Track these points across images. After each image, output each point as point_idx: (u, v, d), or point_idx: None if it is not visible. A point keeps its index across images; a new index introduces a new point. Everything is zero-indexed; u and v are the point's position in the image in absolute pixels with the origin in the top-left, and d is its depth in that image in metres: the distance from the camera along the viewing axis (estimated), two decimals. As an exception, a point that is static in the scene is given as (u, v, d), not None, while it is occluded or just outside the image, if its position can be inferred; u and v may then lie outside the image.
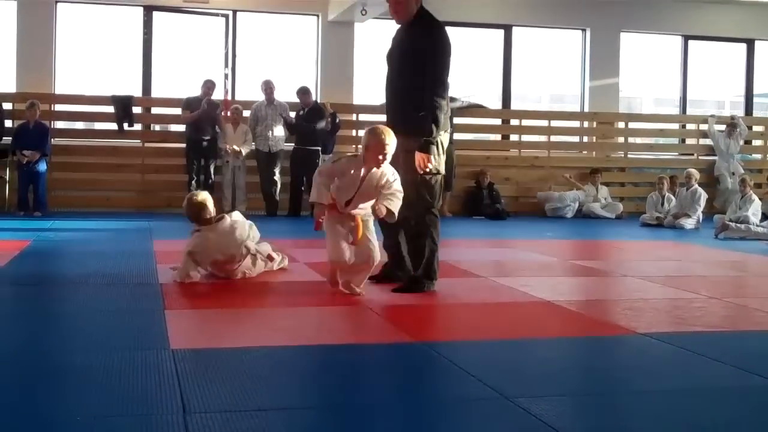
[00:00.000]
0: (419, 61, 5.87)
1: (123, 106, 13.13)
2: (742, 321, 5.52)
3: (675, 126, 15.97)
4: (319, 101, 13.38)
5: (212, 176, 12.80)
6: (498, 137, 15.07)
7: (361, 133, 13.84)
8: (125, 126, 13.20)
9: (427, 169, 5.86)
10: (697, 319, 5.38)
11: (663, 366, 4.25)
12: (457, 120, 13.87)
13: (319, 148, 12.84)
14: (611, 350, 4.64)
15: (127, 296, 5.85)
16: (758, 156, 16.09)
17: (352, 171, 5.66)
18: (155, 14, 13.73)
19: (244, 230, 6.73)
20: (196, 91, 12.95)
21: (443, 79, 5.90)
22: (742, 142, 15.11)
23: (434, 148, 5.85)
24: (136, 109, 13.40)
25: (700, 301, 5.99)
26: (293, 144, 13.01)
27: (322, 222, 5.84)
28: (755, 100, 16.73)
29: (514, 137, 14.93)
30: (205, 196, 6.80)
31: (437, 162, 5.92)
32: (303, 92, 13.04)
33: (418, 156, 5.82)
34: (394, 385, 3.83)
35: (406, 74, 5.98)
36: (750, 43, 16.09)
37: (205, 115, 12.67)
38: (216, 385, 3.63)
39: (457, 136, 13.10)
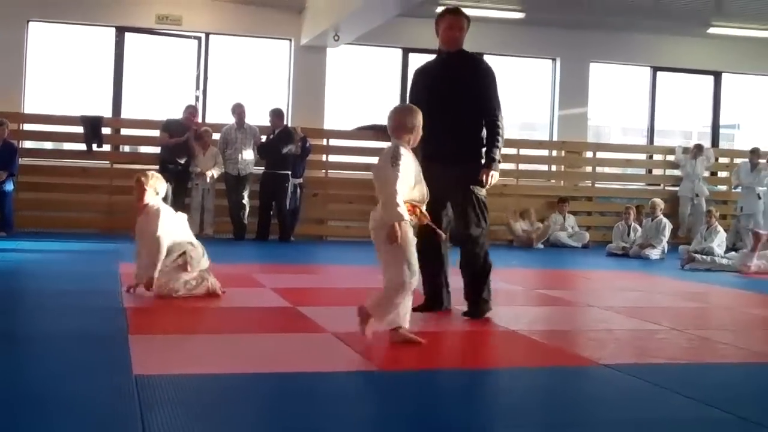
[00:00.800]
0: (472, 90, 6.17)
1: (92, 126, 13.08)
2: (702, 353, 5.57)
3: (642, 156, 16.14)
4: (289, 125, 13.39)
5: (183, 200, 12.76)
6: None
7: (332, 158, 13.99)
8: (94, 147, 13.13)
9: (482, 189, 6.19)
10: (659, 351, 5.43)
11: (623, 398, 4.28)
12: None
13: (289, 173, 12.85)
14: (573, 381, 4.67)
15: (90, 320, 5.82)
16: (723, 187, 16.27)
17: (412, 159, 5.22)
18: (127, 35, 13.73)
19: (164, 223, 6.65)
20: (166, 113, 12.95)
21: (499, 104, 6.21)
22: (707, 164, 15.26)
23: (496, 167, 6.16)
24: (106, 130, 13.34)
25: (662, 333, 6.05)
26: (263, 168, 13.02)
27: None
28: (722, 131, 16.98)
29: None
30: (154, 181, 6.76)
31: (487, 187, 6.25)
32: (276, 114, 13.06)
33: (485, 171, 6.11)
34: (354, 415, 3.83)
35: (458, 103, 6.19)
36: (717, 76, 16.34)
37: (184, 141, 12.66)
38: (179, 413, 3.62)
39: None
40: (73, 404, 3.73)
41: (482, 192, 6.25)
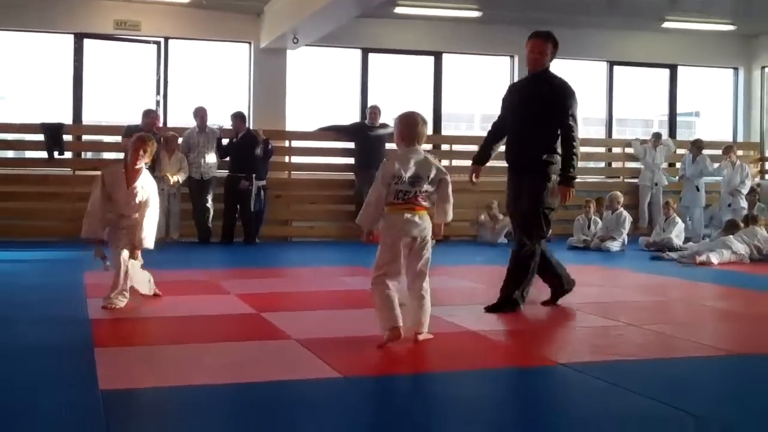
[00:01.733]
0: (547, 108, 6.65)
1: (53, 134, 13.03)
2: (657, 349, 5.73)
3: (601, 149, 16.35)
4: (251, 128, 13.44)
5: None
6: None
7: (295, 159, 14.06)
8: (55, 154, 13.10)
9: (546, 200, 6.69)
10: (615, 348, 5.58)
11: (578, 397, 4.42)
12: (389, 145, 14.07)
13: (254, 175, 12.90)
14: (530, 382, 4.80)
15: (55, 332, 5.87)
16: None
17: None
18: (86, 41, 13.69)
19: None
20: (127, 118, 12.94)
21: (575, 121, 6.64)
22: (667, 153, 15.41)
23: (554, 182, 6.64)
24: (67, 137, 13.30)
25: (619, 329, 6.21)
26: (226, 171, 13.06)
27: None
28: (682, 119, 17.21)
29: (444, 162, 15.12)
30: (152, 148, 6.97)
31: (553, 200, 6.75)
32: (239, 117, 13.12)
33: (562, 189, 6.62)
34: (319, 423, 3.92)
35: (535, 121, 6.70)
36: (672, 68, 16.57)
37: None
38: (145, 427, 3.69)
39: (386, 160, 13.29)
40: (37, 422, 3.77)
41: (553, 204, 6.78)
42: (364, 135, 13.83)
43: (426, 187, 5.44)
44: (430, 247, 5.54)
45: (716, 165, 14.56)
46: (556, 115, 6.63)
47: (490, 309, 6.78)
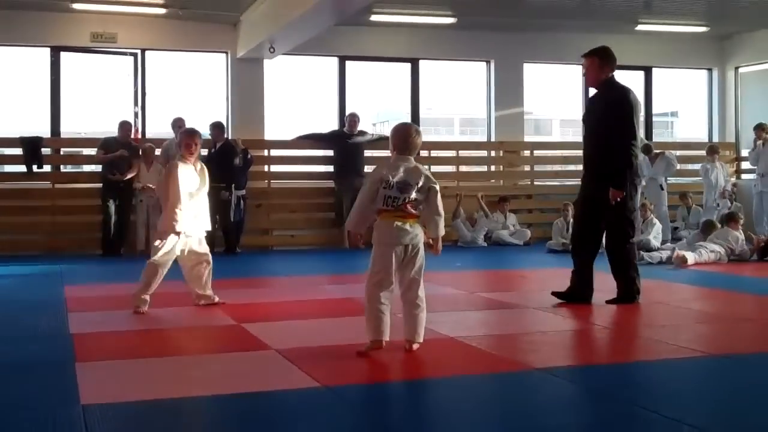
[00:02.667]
0: (610, 120, 7.31)
1: (32, 147, 13.01)
2: (632, 352, 5.81)
3: (579, 153, 16.43)
4: (229, 138, 13.46)
5: (128, 216, 12.78)
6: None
7: (273, 168, 14.11)
8: (34, 168, 13.08)
9: (628, 204, 7.39)
10: (591, 352, 5.66)
11: (554, 403, 4.48)
12: (367, 153, 14.14)
13: (233, 185, 12.91)
14: (507, 388, 4.85)
15: (36, 348, 5.89)
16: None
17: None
18: (63, 54, 13.68)
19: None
20: (107, 130, 12.95)
21: (633, 131, 7.29)
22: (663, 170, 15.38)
23: (631, 188, 7.39)
24: (46, 150, 13.28)
25: (595, 333, 6.28)
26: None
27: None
28: (660, 119, 17.31)
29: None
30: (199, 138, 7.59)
31: (634, 202, 7.53)
32: (217, 127, 13.14)
33: (612, 192, 7.26)
34: (299, 434, 3.97)
35: (602, 131, 7.38)
36: (647, 70, 16.70)
37: (120, 157, 12.67)
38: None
39: (367, 168, 13.34)
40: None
41: (630, 206, 7.43)
42: (342, 143, 13.88)
43: (415, 194, 5.51)
44: (423, 255, 5.59)
45: (698, 166, 14.65)
46: (618, 124, 7.29)
47: (611, 301, 7.48)
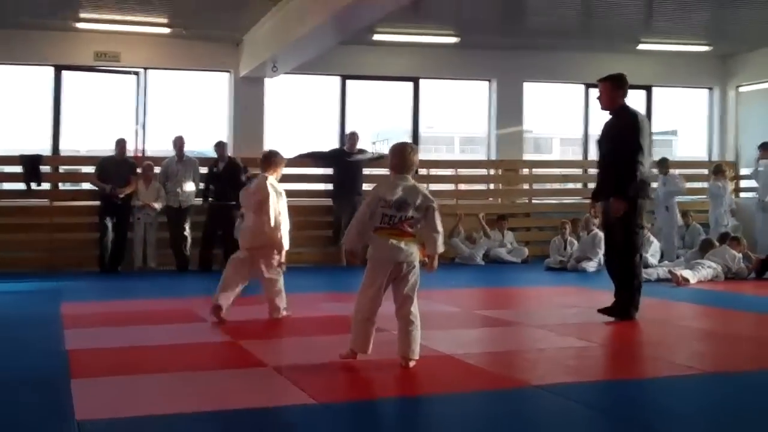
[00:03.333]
0: (621, 142, 7.60)
1: (31, 165, 13.04)
2: (628, 369, 5.81)
3: (578, 171, 16.48)
4: (231, 156, 13.46)
5: (126, 234, 12.79)
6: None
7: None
8: (33, 185, 13.10)
9: (633, 219, 7.61)
10: (587, 369, 5.65)
11: (550, 420, 4.48)
12: (367, 171, 14.16)
13: (237, 203, 12.90)
14: (504, 405, 4.84)
15: (32, 364, 5.88)
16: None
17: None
18: (65, 73, 13.75)
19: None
20: (108, 148, 12.99)
21: (638, 147, 7.49)
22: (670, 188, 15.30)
23: (641, 204, 7.68)
24: (45, 168, 13.31)
25: (592, 350, 6.28)
26: (209, 199, 13.03)
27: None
28: (661, 138, 17.29)
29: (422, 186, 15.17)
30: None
31: (640, 218, 7.75)
32: (224, 146, 13.22)
33: (613, 201, 7.57)
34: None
35: (612, 153, 7.70)
36: (648, 89, 16.74)
37: (118, 174, 12.70)
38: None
39: (366, 186, 13.37)
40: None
41: (635, 221, 7.64)
42: (342, 161, 13.91)
43: (412, 213, 5.58)
44: (418, 273, 5.64)
45: (699, 184, 14.61)
46: (627, 146, 7.53)
47: (602, 311, 7.71)
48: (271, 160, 7.81)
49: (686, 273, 10.70)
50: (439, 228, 5.67)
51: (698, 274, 10.81)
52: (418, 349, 5.60)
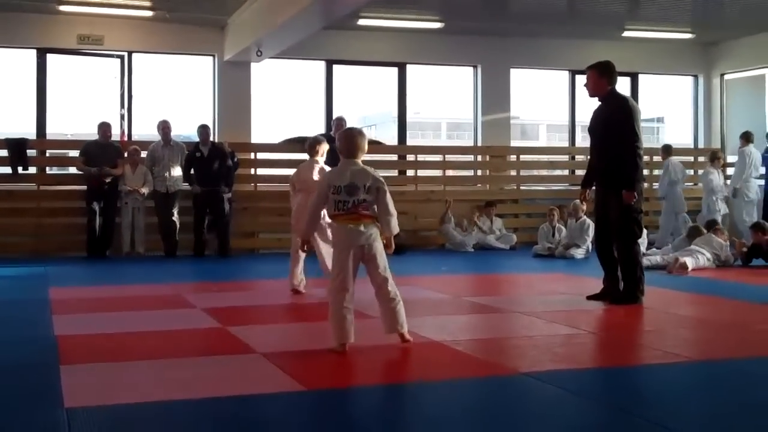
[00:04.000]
0: (613, 127, 7.70)
1: (17, 149, 12.96)
2: (616, 356, 5.83)
3: (565, 158, 16.51)
4: (215, 141, 13.40)
5: (113, 218, 12.75)
6: (395, 173, 15.33)
7: (260, 171, 14.09)
8: (19, 170, 13.02)
9: (633, 205, 7.68)
10: (575, 356, 5.67)
11: (539, 407, 4.50)
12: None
13: (225, 187, 12.90)
14: (493, 392, 4.85)
15: (20, 351, 5.86)
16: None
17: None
18: (49, 56, 13.65)
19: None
20: (93, 132, 12.92)
21: (634, 135, 7.61)
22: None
23: (639, 189, 7.73)
24: (31, 152, 13.22)
25: (580, 337, 6.30)
26: (193, 184, 12.99)
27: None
28: (647, 125, 17.36)
29: (410, 172, 15.23)
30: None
31: (640, 203, 7.84)
32: (204, 129, 13.13)
33: (625, 194, 7.61)
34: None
35: (606, 140, 7.79)
36: (633, 77, 16.77)
37: (104, 158, 12.64)
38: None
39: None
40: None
41: (635, 207, 7.73)
42: (329, 146, 13.83)
43: (363, 196, 5.65)
44: (383, 252, 5.72)
45: (691, 172, 14.64)
46: (620, 130, 7.65)
47: (612, 301, 7.79)
48: (316, 147, 8.60)
49: (688, 260, 10.67)
50: (392, 210, 5.76)
51: (697, 261, 10.80)
52: (405, 321, 5.72)
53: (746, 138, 14.25)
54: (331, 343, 5.63)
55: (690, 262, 10.66)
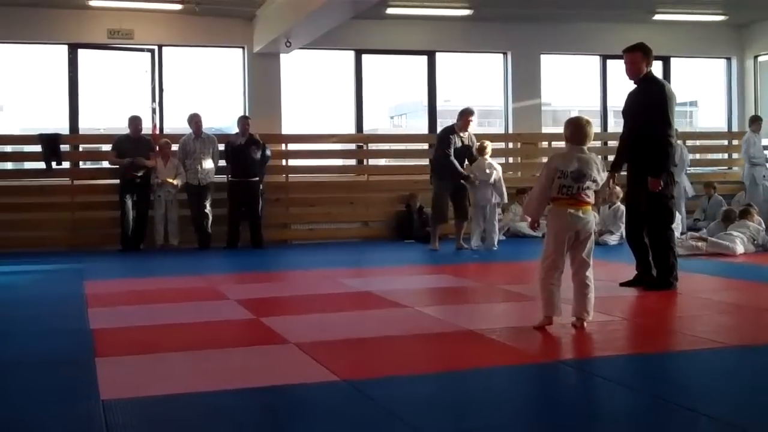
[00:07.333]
0: (649, 112, 7.58)
1: (50, 144, 13.08)
2: (649, 342, 5.78)
3: (597, 143, 16.38)
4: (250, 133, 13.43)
5: (146, 212, 12.83)
6: (425, 161, 15.25)
7: (291, 162, 14.12)
8: (53, 165, 13.14)
9: (664, 192, 7.59)
10: (609, 343, 5.64)
11: (573, 395, 4.48)
12: (384, 146, 14.12)
13: (258, 179, 12.95)
14: (527, 380, 4.84)
15: (56, 344, 5.91)
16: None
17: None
18: (80, 51, 13.74)
19: None
20: (125, 126, 13.01)
21: (668, 122, 7.54)
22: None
23: (666, 176, 7.59)
24: (64, 147, 13.33)
25: (613, 324, 6.26)
26: (229, 176, 13.03)
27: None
28: (680, 109, 17.21)
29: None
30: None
31: (671, 189, 7.78)
32: (244, 120, 13.17)
33: (651, 181, 7.51)
34: (321, 429, 3.96)
35: (640, 123, 7.68)
36: (665, 60, 16.60)
37: (135, 152, 12.73)
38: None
39: (385, 161, 13.33)
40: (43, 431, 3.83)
41: (666, 193, 7.65)
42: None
43: (588, 183, 5.86)
44: (593, 240, 6.00)
45: (719, 155, 14.47)
46: (654, 116, 7.55)
47: (647, 288, 7.74)
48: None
49: (737, 247, 10.61)
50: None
51: (744, 245, 10.77)
52: (592, 311, 5.93)
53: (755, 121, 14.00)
54: (540, 315, 5.95)
55: (740, 248, 10.61)
